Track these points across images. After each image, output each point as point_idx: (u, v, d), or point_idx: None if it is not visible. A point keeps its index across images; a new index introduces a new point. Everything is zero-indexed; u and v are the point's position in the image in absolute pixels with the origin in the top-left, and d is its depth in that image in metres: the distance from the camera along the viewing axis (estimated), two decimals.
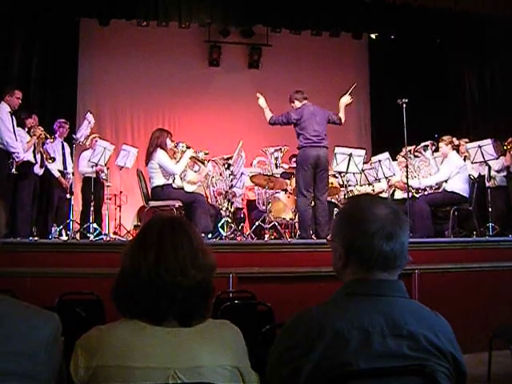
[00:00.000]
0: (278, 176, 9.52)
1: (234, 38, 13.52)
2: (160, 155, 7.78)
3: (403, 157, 9.12)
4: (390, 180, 9.61)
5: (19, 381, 1.65)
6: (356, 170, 8.74)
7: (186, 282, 1.84)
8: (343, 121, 8.21)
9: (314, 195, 7.93)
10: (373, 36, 13.49)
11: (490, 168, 9.12)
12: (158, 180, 7.80)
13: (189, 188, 8.88)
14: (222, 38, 13.37)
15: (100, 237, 8.43)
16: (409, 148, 8.89)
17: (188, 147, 8.49)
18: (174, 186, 8.01)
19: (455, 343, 1.90)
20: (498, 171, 9.37)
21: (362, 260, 1.91)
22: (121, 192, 10.65)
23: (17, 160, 7.99)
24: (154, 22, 12.47)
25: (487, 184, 9.09)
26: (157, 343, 1.77)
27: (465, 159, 9.06)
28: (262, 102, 8.36)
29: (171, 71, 13.19)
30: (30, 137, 8.44)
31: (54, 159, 8.94)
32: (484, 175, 9.31)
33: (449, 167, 8.53)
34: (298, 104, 8.14)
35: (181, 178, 8.59)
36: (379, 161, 9.30)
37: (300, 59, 13.63)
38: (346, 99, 8.34)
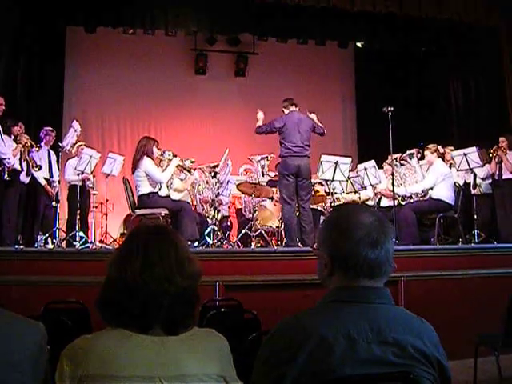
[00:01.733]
0: (265, 184, 9.54)
1: (221, 47, 13.53)
2: (146, 163, 7.77)
3: (389, 164, 9.16)
4: (375, 188, 9.63)
5: None
6: (342, 178, 8.75)
7: (173, 290, 1.84)
8: (324, 131, 8.30)
9: (298, 204, 7.97)
10: (359, 45, 13.53)
11: (475, 176, 9.16)
12: (145, 188, 7.79)
13: (175, 196, 8.88)
14: (208, 46, 13.37)
15: (86, 245, 8.39)
16: (394, 156, 8.94)
17: (174, 155, 8.50)
18: (160, 194, 7.99)
19: (440, 348, 1.92)
20: (483, 179, 9.41)
21: (347, 267, 1.92)
22: (107, 200, 10.61)
23: (8, 166, 7.97)
24: (141, 30, 12.47)
25: (472, 191, 9.14)
26: (142, 352, 1.77)
27: (450, 167, 9.11)
28: (260, 115, 8.44)
29: (158, 79, 13.18)
30: (16, 144, 8.40)
31: (40, 167, 8.90)
32: (469, 183, 9.35)
33: (434, 175, 8.57)
34: (285, 111, 8.20)
35: (167, 186, 8.58)
36: (365, 168, 9.33)
37: (286, 67, 13.67)
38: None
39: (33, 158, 8.90)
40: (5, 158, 7.92)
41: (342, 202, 9.83)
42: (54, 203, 9.20)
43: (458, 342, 5.05)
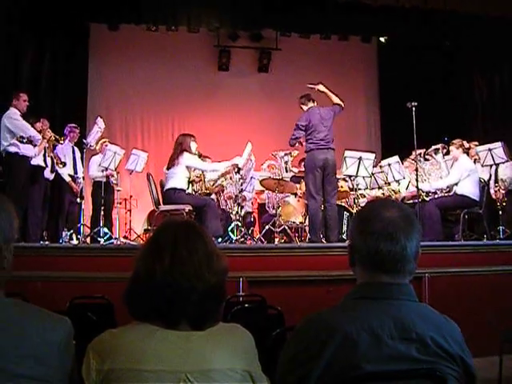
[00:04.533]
0: (288, 180, 9.52)
1: (243, 43, 13.53)
2: (187, 158, 7.93)
3: (413, 160, 9.10)
4: (399, 183, 9.59)
5: None
6: (366, 174, 8.72)
7: (201, 286, 1.84)
8: (342, 104, 8.28)
9: (324, 198, 7.94)
10: (382, 39, 13.46)
11: (496, 171, 9.07)
12: (175, 183, 7.85)
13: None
14: (231, 42, 13.37)
15: (110, 241, 8.45)
16: (419, 151, 8.88)
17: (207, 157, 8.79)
18: (186, 191, 8.06)
19: (464, 347, 1.91)
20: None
21: (361, 259, 1.95)
22: (131, 196, 10.66)
23: (36, 142, 8.13)
24: (164, 27, 12.53)
25: (495, 187, 9.04)
26: (168, 346, 1.77)
27: (475, 162, 9.03)
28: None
29: (181, 76, 13.20)
30: (40, 141, 8.47)
31: (64, 164, 8.97)
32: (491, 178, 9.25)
33: (459, 170, 8.51)
34: (304, 108, 8.19)
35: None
36: (389, 164, 9.28)
37: (309, 63, 13.60)
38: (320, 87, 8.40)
39: (57, 155, 8.97)
40: (35, 136, 8.06)
41: (365, 199, 9.81)
42: (78, 199, 9.28)
43: (482, 339, 5.02)
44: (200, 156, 9.13)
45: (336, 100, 8.31)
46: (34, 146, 8.15)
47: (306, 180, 8.15)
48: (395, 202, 2.18)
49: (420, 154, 9.06)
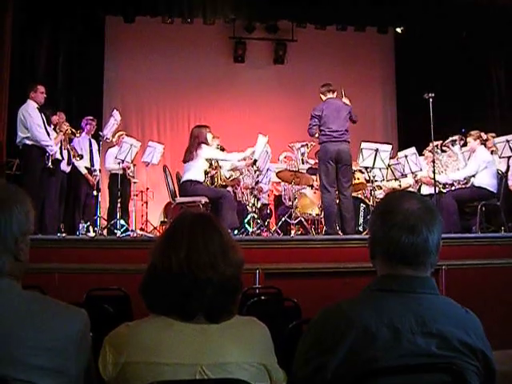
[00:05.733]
0: (304, 172, 9.50)
1: (259, 34, 13.50)
2: (206, 151, 7.99)
3: (430, 151, 9.04)
4: (416, 175, 9.54)
5: (49, 376, 1.67)
6: (382, 166, 8.69)
7: (217, 278, 1.85)
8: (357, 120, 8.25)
9: (338, 190, 7.91)
10: (398, 30, 13.39)
11: None
12: (193, 174, 7.88)
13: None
14: (246, 33, 13.35)
15: (127, 233, 8.49)
16: (436, 143, 8.83)
17: (222, 149, 8.78)
18: (203, 183, 8.08)
19: (485, 340, 1.89)
20: None
21: (382, 251, 1.93)
22: (147, 188, 10.71)
23: (51, 153, 8.08)
24: (179, 19, 12.54)
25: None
26: (184, 340, 1.78)
27: (492, 153, 8.96)
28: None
29: (196, 68, 13.22)
30: (57, 133, 8.50)
31: (81, 157, 9.00)
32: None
33: (477, 162, 8.45)
34: (323, 97, 8.14)
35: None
36: (406, 156, 9.23)
37: (325, 54, 13.58)
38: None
39: (74, 148, 9.01)
40: (48, 146, 8.01)
41: (381, 190, 9.78)
42: (95, 192, 9.31)
43: (500, 332, 4.99)
44: (222, 150, 9.21)
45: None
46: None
47: (319, 172, 8.12)
48: (415, 194, 2.16)
49: (437, 146, 9.01)
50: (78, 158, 8.98)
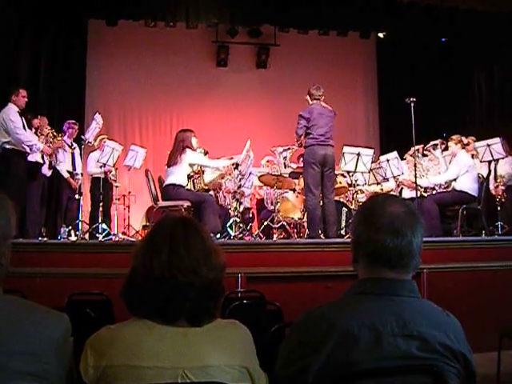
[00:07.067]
0: (287, 176, 9.52)
1: (242, 38, 13.50)
2: (190, 155, 7.95)
3: (411, 156, 9.10)
4: (398, 179, 9.59)
5: (29, 380, 1.66)
6: (364, 170, 8.72)
7: (199, 282, 1.85)
8: None
9: (323, 194, 7.92)
10: (380, 35, 13.45)
11: (496, 167, 9.08)
12: (175, 178, 7.85)
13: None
14: (229, 38, 13.34)
15: (109, 237, 8.46)
16: (417, 147, 8.89)
17: (206, 152, 8.77)
18: (186, 187, 8.08)
19: (466, 343, 1.91)
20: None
21: (366, 254, 1.94)
22: (129, 192, 10.66)
23: (38, 150, 8.09)
24: (162, 23, 12.51)
25: (494, 184, 9.05)
26: (166, 343, 1.78)
27: (472, 157, 9.02)
28: None
29: (179, 71, 13.21)
30: (38, 137, 8.46)
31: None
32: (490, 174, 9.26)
33: (458, 166, 8.50)
34: (310, 101, 8.12)
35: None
36: (387, 160, 9.27)
37: (308, 59, 13.62)
38: None
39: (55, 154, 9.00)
40: (32, 145, 7.99)
41: (363, 194, 9.82)
42: (76, 196, 9.27)
43: (481, 335, 5.02)
44: (206, 153, 9.22)
45: None
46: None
47: (304, 175, 8.12)
48: (398, 198, 2.19)
49: (418, 150, 9.07)
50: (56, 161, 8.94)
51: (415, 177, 8.37)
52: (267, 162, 10.48)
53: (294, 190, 9.45)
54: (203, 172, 8.97)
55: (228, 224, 8.64)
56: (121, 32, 12.67)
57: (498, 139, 8.46)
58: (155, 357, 1.74)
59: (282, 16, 11.97)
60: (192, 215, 7.79)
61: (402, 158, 9.53)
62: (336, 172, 8.62)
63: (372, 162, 8.97)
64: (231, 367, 1.80)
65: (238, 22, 12.36)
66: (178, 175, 7.88)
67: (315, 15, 11.83)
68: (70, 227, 8.86)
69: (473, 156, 9.07)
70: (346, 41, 13.63)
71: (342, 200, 9.53)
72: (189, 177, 8.40)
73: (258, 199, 11.12)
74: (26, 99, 8.21)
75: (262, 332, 2.71)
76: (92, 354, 1.78)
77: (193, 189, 8.67)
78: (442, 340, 1.82)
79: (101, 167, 9.04)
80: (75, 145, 9.61)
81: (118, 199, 10.03)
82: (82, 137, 9.13)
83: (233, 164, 8.54)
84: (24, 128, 8.01)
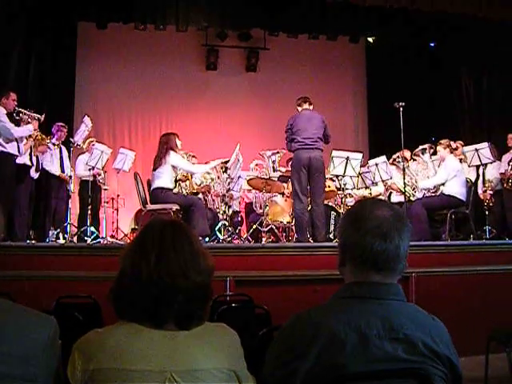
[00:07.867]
0: (276, 179, 9.52)
1: (232, 42, 13.50)
2: (173, 158, 7.95)
3: (392, 164, 9.18)
4: (386, 183, 9.61)
5: (17, 383, 1.65)
6: (353, 174, 8.73)
7: (187, 285, 1.85)
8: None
9: (311, 198, 7.94)
10: (370, 40, 13.49)
11: (484, 172, 9.13)
12: (162, 182, 7.85)
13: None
14: (219, 41, 13.33)
15: (97, 240, 8.43)
16: (399, 153, 8.96)
17: (193, 156, 8.72)
18: (174, 190, 8.08)
19: (451, 347, 1.91)
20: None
21: (353, 257, 1.93)
22: (118, 195, 10.63)
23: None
24: (152, 26, 12.50)
25: (482, 188, 9.11)
26: (154, 346, 1.77)
27: (461, 161, 9.06)
28: None
29: (169, 75, 13.20)
30: (26, 139, 8.43)
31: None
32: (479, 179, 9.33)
33: (446, 170, 8.53)
34: (299, 109, 8.18)
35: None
36: (376, 164, 9.30)
37: (297, 63, 13.65)
38: None
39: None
40: (23, 137, 8.04)
41: (352, 198, 9.84)
42: (70, 192, 9.25)
43: (468, 339, 5.04)
44: (193, 156, 9.20)
45: None
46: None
47: (291, 180, 8.15)
48: (386, 202, 2.19)
49: (398, 156, 9.13)
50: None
51: (404, 184, 8.42)
52: (256, 165, 10.47)
53: (282, 194, 9.46)
54: (191, 176, 8.96)
55: (217, 227, 8.64)
56: (111, 35, 12.65)
57: (486, 144, 8.52)
58: (143, 360, 1.74)
59: (272, 20, 12.01)
60: (181, 219, 7.79)
61: (391, 163, 9.57)
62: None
63: (361, 166, 8.99)
64: (219, 370, 1.80)
65: (227, 25, 12.37)
66: (165, 178, 7.87)
67: (305, 19, 11.87)
68: (59, 230, 8.84)
69: (461, 160, 9.11)
70: (336, 45, 13.67)
71: (330, 204, 9.54)
72: (176, 180, 8.39)
73: (246, 203, 11.12)
74: (16, 103, 8.18)
75: (250, 336, 2.71)
76: (80, 357, 1.77)
77: (181, 192, 8.66)
78: (427, 343, 1.82)
79: (89, 170, 9.02)
80: (62, 146, 9.59)
81: (107, 202, 10.00)
82: (71, 139, 9.10)
83: (222, 167, 8.54)
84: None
